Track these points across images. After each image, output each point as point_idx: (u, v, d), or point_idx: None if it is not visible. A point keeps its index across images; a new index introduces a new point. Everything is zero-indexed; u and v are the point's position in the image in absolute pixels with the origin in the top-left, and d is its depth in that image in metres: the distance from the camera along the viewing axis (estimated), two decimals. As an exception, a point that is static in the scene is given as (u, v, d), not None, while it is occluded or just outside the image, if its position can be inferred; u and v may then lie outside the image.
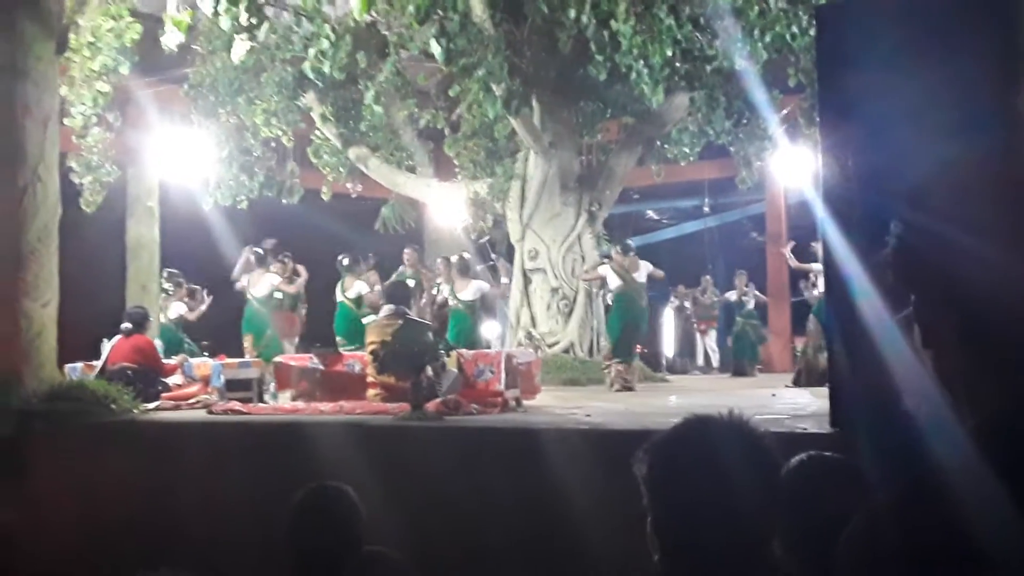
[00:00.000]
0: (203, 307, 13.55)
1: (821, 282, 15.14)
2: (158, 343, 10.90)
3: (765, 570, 1.80)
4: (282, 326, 12.02)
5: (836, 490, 2.34)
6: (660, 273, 11.89)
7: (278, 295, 12.22)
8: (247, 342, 11.84)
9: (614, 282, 11.47)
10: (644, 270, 11.44)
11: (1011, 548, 1.56)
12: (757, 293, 16.56)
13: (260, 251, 12.41)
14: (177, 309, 13.17)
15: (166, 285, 13.38)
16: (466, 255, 12.74)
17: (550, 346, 13.28)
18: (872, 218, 3.90)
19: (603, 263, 12.72)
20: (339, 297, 12.10)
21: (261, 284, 12.08)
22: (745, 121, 14.24)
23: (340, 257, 12.19)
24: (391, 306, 8.48)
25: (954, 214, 2.64)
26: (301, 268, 12.64)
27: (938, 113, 3.84)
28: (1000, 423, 1.73)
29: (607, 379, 11.19)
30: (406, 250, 13.48)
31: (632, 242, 12.37)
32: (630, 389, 10.80)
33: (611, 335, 11.54)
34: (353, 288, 11.98)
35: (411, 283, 12.60)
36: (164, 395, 9.16)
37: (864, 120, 4.74)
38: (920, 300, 2.17)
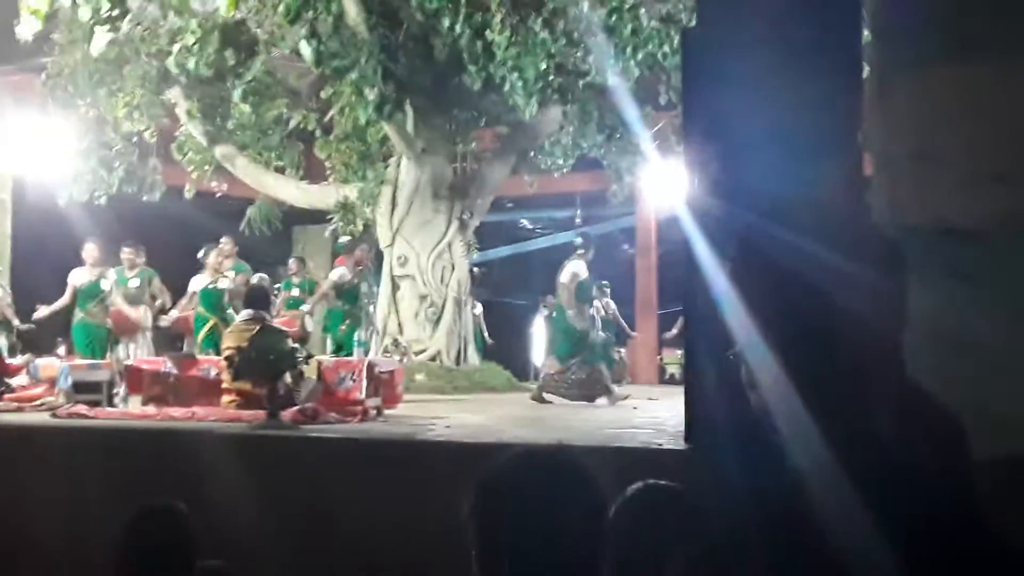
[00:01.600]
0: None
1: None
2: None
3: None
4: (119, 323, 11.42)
5: (669, 521, 2.32)
6: (571, 287, 10.47)
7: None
8: None
9: None
10: (569, 270, 10.53)
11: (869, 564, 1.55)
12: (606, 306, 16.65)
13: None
14: None
15: None
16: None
17: (417, 354, 13.18)
18: (731, 233, 3.95)
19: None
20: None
21: None
22: (618, 135, 14.44)
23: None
24: (249, 311, 8.26)
25: (809, 227, 2.66)
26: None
27: (799, 134, 3.91)
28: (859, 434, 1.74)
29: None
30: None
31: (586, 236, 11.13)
32: (540, 401, 10.42)
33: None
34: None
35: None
36: (7, 396, 8.76)
37: (727, 139, 4.80)
38: (770, 320, 2.17)
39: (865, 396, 2.25)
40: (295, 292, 12.80)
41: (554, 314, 11.15)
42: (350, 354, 10.03)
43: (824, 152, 3.53)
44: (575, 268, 10.51)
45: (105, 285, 10.97)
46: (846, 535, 1.64)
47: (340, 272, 11.87)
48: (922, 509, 1.56)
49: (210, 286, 11.40)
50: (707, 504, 2.43)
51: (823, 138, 3.64)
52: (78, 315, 11.01)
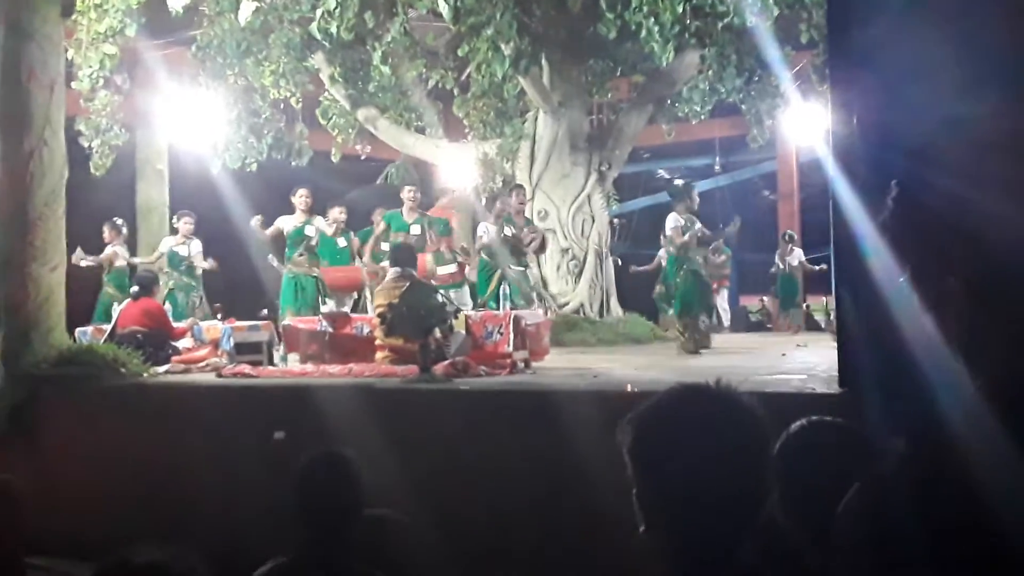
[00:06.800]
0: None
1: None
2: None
3: (754, 543, 1.74)
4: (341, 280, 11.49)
5: (836, 455, 2.32)
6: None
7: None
8: None
9: None
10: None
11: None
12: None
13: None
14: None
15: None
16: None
17: (561, 307, 13.26)
18: (879, 175, 3.85)
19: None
20: None
21: None
22: (757, 78, 14.10)
23: None
24: (397, 268, 8.46)
25: (965, 170, 2.59)
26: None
27: (950, 69, 3.77)
28: (1011, 382, 1.70)
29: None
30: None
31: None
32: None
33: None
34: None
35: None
36: (174, 358, 9.18)
37: (874, 77, 4.67)
38: (920, 264, 2.13)
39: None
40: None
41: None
42: None
43: (988, 87, 3.37)
44: None
45: (310, 231, 11.13)
46: (1004, 487, 1.61)
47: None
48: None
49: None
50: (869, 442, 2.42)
51: (987, 71, 3.48)
52: (286, 270, 11.30)
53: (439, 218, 11.97)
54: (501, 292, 10.07)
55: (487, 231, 10.57)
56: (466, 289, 11.32)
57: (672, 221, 10.88)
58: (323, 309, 10.16)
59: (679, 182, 11.85)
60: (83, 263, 12.16)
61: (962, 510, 1.61)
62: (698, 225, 10.91)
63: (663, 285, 16.15)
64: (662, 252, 16.35)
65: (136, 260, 13.12)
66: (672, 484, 1.73)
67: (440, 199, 12.65)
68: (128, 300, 9.72)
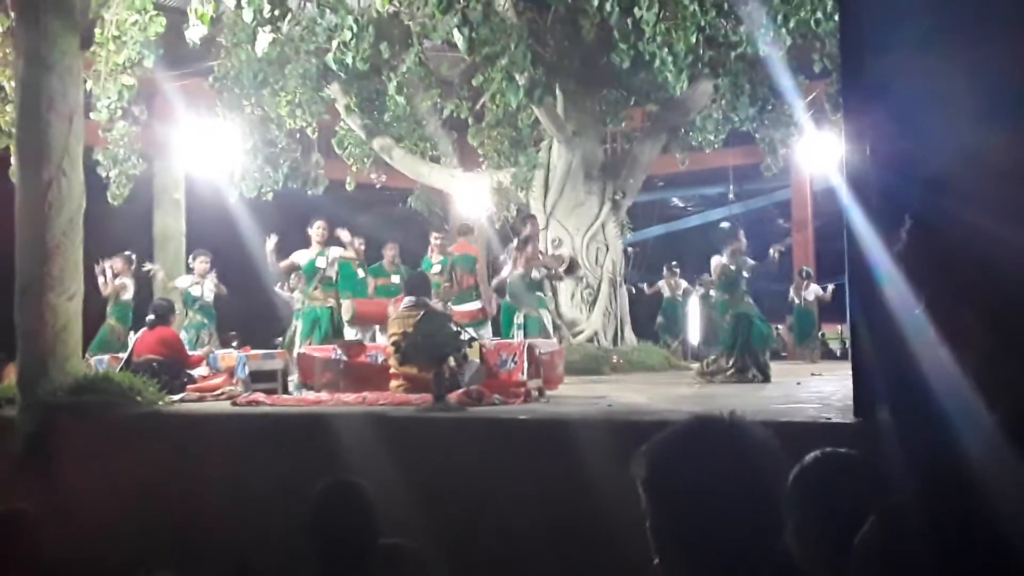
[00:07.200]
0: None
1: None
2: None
3: (766, 574, 1.73)
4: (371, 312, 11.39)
5: (850, 487, 2.30)
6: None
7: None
8: None
9: None
10: None
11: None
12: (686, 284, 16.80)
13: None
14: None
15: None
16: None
17: (575, 335, 13.25)
18: (893, 204, 3.85)
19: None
20: None
21: None
22: (770, 107, 14.14)
23: None
24: (411, 297, 8.47)
25: (981, 200, 2.59)
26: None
27: (965, 98, 3.76)
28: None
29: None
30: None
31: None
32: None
33: None
34: None
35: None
36: (189, 387, 9.21)
37: (888, 106, 4.66)
38: (936, 294, 2.12)
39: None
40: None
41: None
42: None
43: (1003, 116, 3.36)
44: None
45: (321, 262, 10.96)
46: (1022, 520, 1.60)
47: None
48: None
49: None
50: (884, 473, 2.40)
51: (1001, 101, 3.47)
52: (296, 302, 11.32)
53: (466, 255, 12.04)
54: (515, 323, 10.10)
55: (511, 273, 10.67)
56: (488, 328, 11.40)
57: (716, 262, 10.78)
58: (346, 335, 10.21)
59: (725, 224, 11.86)
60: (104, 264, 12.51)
61: (979, 543, 1.60)
62: (750, 263, 10.82)
63: (663, 317, 16.32)
64: (662, 283, 16.53)
65: (154, 267, 13.28)
66: (686, 516, 1.72)
67: (465, 234, 12.69)
68: (144, 329, 9.76)
